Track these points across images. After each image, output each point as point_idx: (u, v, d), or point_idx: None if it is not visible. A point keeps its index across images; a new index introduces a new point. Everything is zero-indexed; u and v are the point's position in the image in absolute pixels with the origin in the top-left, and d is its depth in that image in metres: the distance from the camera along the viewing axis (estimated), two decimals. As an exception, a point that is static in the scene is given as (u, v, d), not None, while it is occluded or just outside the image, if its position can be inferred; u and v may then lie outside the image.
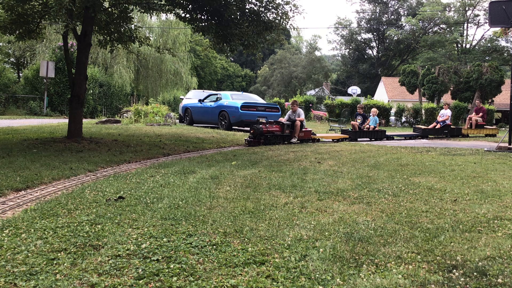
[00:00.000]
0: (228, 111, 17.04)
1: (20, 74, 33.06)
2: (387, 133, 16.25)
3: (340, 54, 72.09)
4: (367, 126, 15.67)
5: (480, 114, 19.28)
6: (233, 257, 3.06)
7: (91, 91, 26.06)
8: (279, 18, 10.38)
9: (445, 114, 18.39)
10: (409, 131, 20.02)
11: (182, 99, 23.50)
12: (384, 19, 65.01)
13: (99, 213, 4.08)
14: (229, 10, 9.37)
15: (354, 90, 43.27)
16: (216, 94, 18.91)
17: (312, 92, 53.59)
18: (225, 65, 71.10)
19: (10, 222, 3.75)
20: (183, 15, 10.69)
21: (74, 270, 2.77)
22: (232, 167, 7.42)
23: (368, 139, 15.24)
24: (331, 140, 14.09)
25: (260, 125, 11.63)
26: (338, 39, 70.21)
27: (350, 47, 67.91)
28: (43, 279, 2.62)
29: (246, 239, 3.46)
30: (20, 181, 5.49)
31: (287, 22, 10.40)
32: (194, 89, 32.98)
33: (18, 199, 4.86)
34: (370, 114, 16.51)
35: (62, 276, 2.67)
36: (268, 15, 10.49)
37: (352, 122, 16.04)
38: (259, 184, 5.88)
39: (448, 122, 18.35)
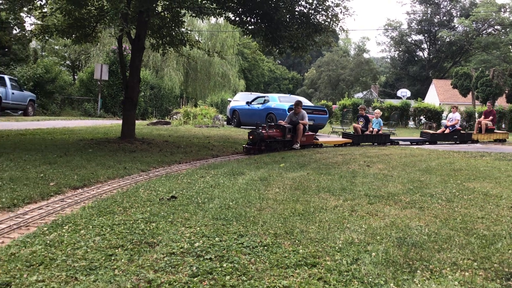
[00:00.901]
0: (276, 113, 17.06)
1: (76, 77, 34.35)
2: (392, 138, 14.82)
3: (389, 56, 70.72)
4: (371, 129, 14.29)
5: (490, 117, 17.67)
6: (284, 258, 3.08)
7: (143, 93, 26.76)
8: (328, 20, 10.32)
9: (454, 118, 16.89)
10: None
11: (230, 101, 23.76)
12: (435, 20, 63.24)
13: (153, 211, 4.19)
14: (279, 12, 9.41)
15: (404, 93, 42.33)
16: (264, 97, 19.00)
17: (360, 95, 52.91)
18: (272, 68, 71.27)
19: (69, 218, 3.92)
20: (233, 18, 10.82)
21: (131, 266, 2.87)
22: (280, 169, 7.44)
23: (370, 143, 13.85)
24: (333, 146, 12.67)
25: (261, 130, 9.98)
26: (387, 41, 68.82)
27: (400, 49, 66.49)
28: (102, 274, 2.72)
29: (296, 241, 3.47)
30: (78, 180, 5.72)
31: (337, 24, 10.33)
32: (242, 91, 33.25)
33: (76, 196, 5.07)
34: (373, 116, 15.18)
35: (120, 272, 2.77)
36: (317, 17, 10.45)
37: (354, 124, 14.57)
38: (308, 187, 5.87)
39: (457, 126, 16.92)
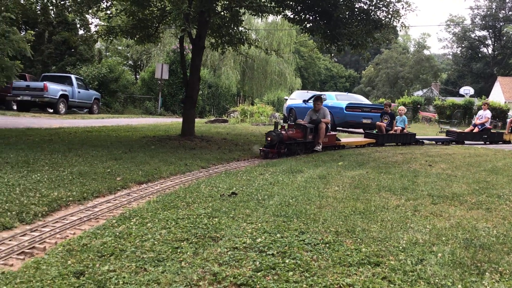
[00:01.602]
0: (333, 112, 16.89)
1: (137, 76, 35.51)
2: (417, 137, 13.41)
3: (451, 53, 68.37)
4: (395, 128, 12.89)
5: None
6: (347, 256, 3.06)
7: (201, 92, 27.29)
8: (389, 16, 10.10)
9: (484, 115, 15.31)
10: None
11: (286, 99, 23.77)
12: (501, 15, 60.38)
13: (215, 207, 4.28)
14: (338, 9, 9.32)
15: (467, 90, 40.71)
16: (321, 95, 18.86)
17: (420, 92, 51.41)
18: (329, 66, 70.62)
19: (136, 212, 4.07)
20: (291, 16, 10.82)
21: (196, 259, 2.95)
22: (339, 168, 7.38)
23: (394, 143, 12.54)
24: (355, 146, 11.46)
25: (280, 130, 8.72)
26: (449, 37, 66.66)
27: (463, 45, 64.02)
28: (170, 266, 2.82)
29: (358, 240, 3.44)
30: (142, 175, 5.92)
31: (398, 21, 10.09)
32: (298, 89, 33.17)
33: (141, 191, 5.25)
34: (397, 113, 13.74)
35: (186, 264, 2.85)
36: (378, 14, 10.25)
37: (378, 123, 13.01)
38: (368, 185, 5.80)
39: (487, 125, 15.30)
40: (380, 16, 10.26)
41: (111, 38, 11.20)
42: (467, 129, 15.81)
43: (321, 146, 9.69)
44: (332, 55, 11.61)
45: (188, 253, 3.04)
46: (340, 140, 10.80)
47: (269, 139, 8.50)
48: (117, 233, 3.41)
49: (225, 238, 3.38)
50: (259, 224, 3.75)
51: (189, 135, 10.55)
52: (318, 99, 10.21)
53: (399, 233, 3.64)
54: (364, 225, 3.85)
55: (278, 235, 3.47)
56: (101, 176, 5.59)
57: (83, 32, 24.98)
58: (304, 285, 2.58)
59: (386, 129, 12.65)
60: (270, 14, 10.14)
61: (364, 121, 16.56)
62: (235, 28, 11.30)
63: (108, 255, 2.96)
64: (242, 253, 3.06)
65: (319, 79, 67.17)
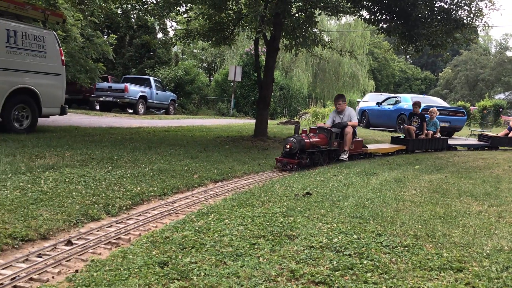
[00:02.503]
0: (408, 115, 16.43)
1: (211, 78, 36.37)
2: (449, 142, 12.15)
3: (537, 54, 64.02)
4: (426, 132, 11.30)
5: None
6: (427, 260, 2.98)
7: (272, 94, 27.48)
8: (471, 15, 9.68)
9: None
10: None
11: (359, 102, 23.40)
12: None
13: (289, 206, 4.32)
14: (417, 9, 9.06)
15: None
16: (395, 97, 18.39)
17: (501, 95, 48.60)
18: (404, 68, 68.53)
19: (213, 208, 4.19)
20: (367, 16, 10.66)
21: (273, 255, 2.99)
22: (415, 171, 7.18)
23: (424, 150, 11.00)
24: (382, 154, 9.63)
25: (301, 136, 7.22)
26: (536, 36, 62.37)
27: (551, 45, 59.83)
28: (248, 261, 2.88)
29: (439, 244, 3.34)
30: (217, 173, 6.08)
31: (481, 20, 9.65)
32: (371, 92, 32.51)
33: (217, 189, 5.39)
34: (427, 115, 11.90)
35: (264, 260, 2.90)
36: (459, 13, 9.86)
37: (407, 126, 11.27)
38: (448, 190, 5.60)
39: None
40: (462, 16, 9.87)
41: (189, 41, 11.56)
42: (501, 133, 13.94)
43: (347, 154, 8.19)
44: (409, 56, 11.29)
45: (265, 249, 3.09)
46: (367, 147, 9.25)
47: (288, 146, 6.92)
48: (197, 228, 3.53)
49: (301, 236, 3.40)
50: (335, 225, 3.74)
51: (262, 136, 10.67)
52: (339, 98, 8.69)
53: (482, 239, 3.50)
54: (445, 230, 3.73)
55: (354, 236, 3.44)
56: (179, 174, 5.80)
57: (161, 35, 26.02)
58: (384, 287, 2.55)
59: (416, 133, 11.02)
60: (345, 15, 10.05)
61: (442, 124, 15.92)
62: (309, 29, 11.29)
63: (189, 248, 3.08)
64: (318, 252, 3.07)
65: (393, 81, 65.34)
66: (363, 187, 5.50)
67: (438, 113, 12.32)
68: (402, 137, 11.02)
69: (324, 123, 8.83)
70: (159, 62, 27.33)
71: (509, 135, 13.32)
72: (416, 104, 11.68)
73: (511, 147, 12.89)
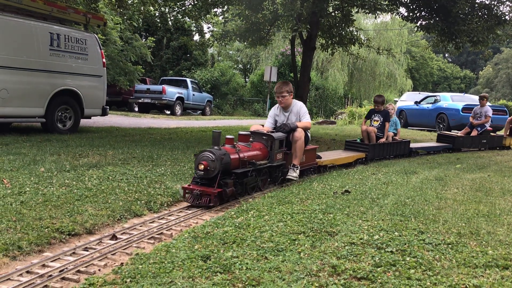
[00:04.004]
0: (448, 114, 16.08)
1: (247, 79, 36.54)
2: (411, 146, 9.28)
3: None
4: (387, 135, 8.47)
5: None
6: (472, 258, 2.92)
7: (308, 94, 27.43)
8: (514, 10, 9.42)
9: (483, 113, 11.31)
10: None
11: (396, 101, 23.03)
12: None
13: (328, 203, 4.30)
14: (457, 5, 8.86)
15: None
16: (434, 96, 18.04)
17: (547, 94, 46.94)
18: (442, 67, 67.05)
19: (252, 205, 4.22)
20: (405, 14, 10.50)
21: (314, 251, 2.99)
22: (456, 170, 7.03)
23: (383, 157, 8.33)
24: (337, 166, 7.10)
25: (225, 147, 4.76)
26: None
27: None
28: (289, 256, 2.89)
29: (483, 242, 3.27)
30: (255, 172, 6.10)
31: (524, 15, 9.37)
32: (408, 91, 31.94)
33: (255, 187, 5.41)
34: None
35: (305, 255, 2.91)
36: (501, 8, 9.60)
37: (364, 126, 8.43)
38: (491, 189, 5.47)
39: (487, 126, 11.52)
40: (504, 11, 9.61)
41: (225, 42, 11.67)
42: (461, 132, 11.95)
43: (298, 170, 5.65)
44: (447, 54, 11.04)
45: (305, 245, 3.10)
46: (321, 158, 6.71)
47: (201, 167, 4.38)
48: (237, 224, 3.56)
49: (341, 233, 3.38)
50: (375, 222, 3.70)
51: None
52: (282, 86, 5.96)
53: (529, 238, 3.40)
54: (489, 228, 3.64)
55: (396, 233, 3.40)
56: (218, 172, 5.85)
57: (198, 37, 26.33)
58: (428, 283, 2.51)
59: (377, 135, 8.32)
60: (383, 13, 9.94)
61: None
62: (346, 28, 11.21)
63: (230, 243, 3.12)
64: (360, 248, 3.05)
65: (431, 80, 64.01)
66: (403, 186, 5.43)
67: (395, 109, 9.95)
68: (358, 140, 8.40)
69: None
70: (196, 64, 27.66)
71: (471, 134, 11.35)
72: (378, 100, 8.58)
73: (475, 149, 11.02)
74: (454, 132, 10.95)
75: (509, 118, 12.70)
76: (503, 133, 12.61)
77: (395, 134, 8.98)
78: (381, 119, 8.41)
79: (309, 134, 6.09)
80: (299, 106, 6.01)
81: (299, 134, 5.59)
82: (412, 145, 9.27)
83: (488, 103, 12.35)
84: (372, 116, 8.56)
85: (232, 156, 4.59)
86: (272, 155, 5.24)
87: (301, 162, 5.77)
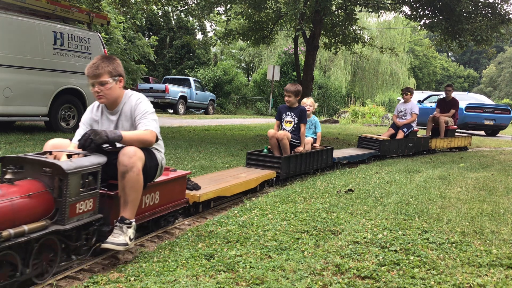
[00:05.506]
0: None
1: (250, 78, 36.53)
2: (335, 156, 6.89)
3: None
4: (305, 144, 6.18)
5: (452, 111, 10.31)
6: (476, 257, 2.92)
7: (311, 93, 27.39)
8: (519, 9, 9.37)
9: (408, 111, 9.00)
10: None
11: (399, 100, 22.98)
12: None
13: (332, 202, 4.30)
14: (461, 4, 8.84)
15: None
16: (437, 95, 17.97)
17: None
18: (445, 65, 66.85)
19: (255, 204, 4.22)
20: (408, 12, 10.48)
21: (318, 250, 2.99)
22: (460, 169, 7.02)
23: (298, 174, 5.93)
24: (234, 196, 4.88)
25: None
26: None
27: None
28: (293, 255, 2.89)
29: (487, 241, 3.26)
30: (258, 171, 6.09)
31: (528, 14, 9.33)
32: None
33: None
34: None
35: (309, 254, 2.91)
36: (504, 7, 9.58)
37: (271, 131, 5.93)
38: (495, 188, 5.46)
39: (414, 126, 9.10)
40: (507, 10, 9.59)
41: (228, 41, 11.67)
42: (384, 134, 9.15)
43: (133, 229, 2.82)
44: (450, 53, 11.02)
45: (309, 244, 3.10)
46: (198, 188, 3.99)
47: None
48: (240, 222, 3.56)
49: (345, 232, 3.38)
50: (379, 221, 3.70)
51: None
52: (96, 75, 3.15)
53: (534, 237, 3.39)
54: (493, 227, 3.63)
55: (399, 232, 3.40)
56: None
57: (201, 36, 26.33)
58: (432, 282, 2.51)
59: (292, 143, 5.89)
60: (386, 11, 9.92)
61: (486, 122, 15.50)
62: (349, 27, 11.19)
63: (234, 242, 3.12)
64: (363, 247, 3.05)
65: (435, 79, 63.82)
66: (407, 185, 5.42)
67: (315, 106, 6.72)
68: (265, 150, 5.89)
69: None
70: (199, 63, 27.65)
71: (397, 136, 8.87)
72: (289, 90, 6.00)
73: (400, 154, 8.85)
74: (378, 136, 8.58)
75: (430, 116, 10.77)
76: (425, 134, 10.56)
77: (315, 140, 6.56)
78: (295, 119, 6.00)
79: (160, 154, 3.27)
80: (137, 101, 3.13)
81: (131, 153, 2.81)
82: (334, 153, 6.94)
83: (414, 98, 10.33)
84: (283, 116, 6.13)
85: None
86: (64, 207, 2.48)
87: (142, 210, 3.11)
